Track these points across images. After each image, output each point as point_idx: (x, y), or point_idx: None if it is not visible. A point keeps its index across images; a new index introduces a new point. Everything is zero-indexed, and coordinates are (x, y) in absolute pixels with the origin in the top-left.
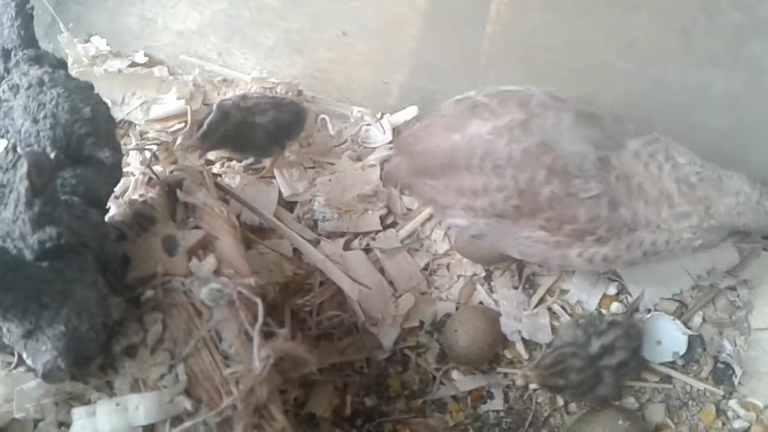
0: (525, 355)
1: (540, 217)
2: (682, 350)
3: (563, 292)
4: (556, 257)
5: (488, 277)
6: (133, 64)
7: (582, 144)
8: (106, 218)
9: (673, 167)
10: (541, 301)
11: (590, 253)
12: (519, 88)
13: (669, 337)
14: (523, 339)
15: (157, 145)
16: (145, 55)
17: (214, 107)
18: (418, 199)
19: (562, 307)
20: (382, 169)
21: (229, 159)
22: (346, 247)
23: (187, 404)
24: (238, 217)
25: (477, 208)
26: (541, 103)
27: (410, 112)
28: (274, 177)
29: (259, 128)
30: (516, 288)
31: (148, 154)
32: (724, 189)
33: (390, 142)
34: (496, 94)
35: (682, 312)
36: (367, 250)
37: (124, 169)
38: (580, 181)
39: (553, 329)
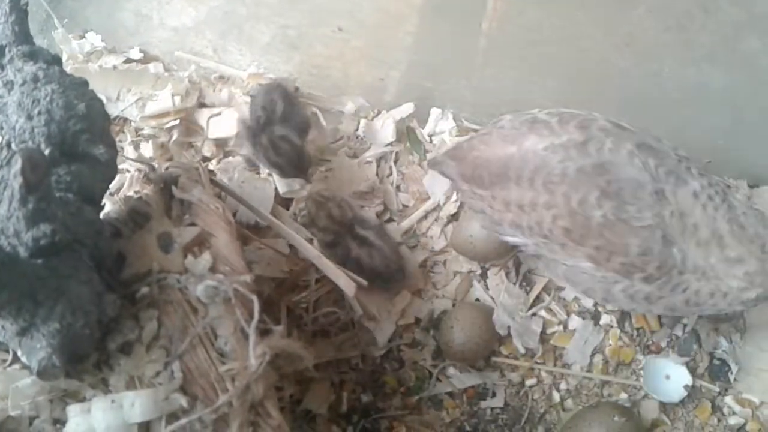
0: (521, 351)
1: (589, 245)
2: (690, 381)
3: (559, 289)
4: (601, 290)
5: (484, 274)
6: (129, 61)
7: (639, 172)
8: (101, 215)
9: (728, 208)
10: (538, 299)
11: (634, 290)
12: (582, 112)
13: (676, 373)
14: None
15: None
16: (141, 51)
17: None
18: (468, 207)
19: (558, 306)
20: (378, 166)
21: (226, 155)
22: None
23: (183, 401)
24: (234, 214)
25: (523, 226)
26: (602, 128)
27: (407, 108)
28: (270, 174)
29: (283, 114)
30: (514, 284)
31: (144, 152)
32: None
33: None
34: (557, 113)
35: None
36: None
37: (119, 166)
38: (635, 208)
39: (543, 338)
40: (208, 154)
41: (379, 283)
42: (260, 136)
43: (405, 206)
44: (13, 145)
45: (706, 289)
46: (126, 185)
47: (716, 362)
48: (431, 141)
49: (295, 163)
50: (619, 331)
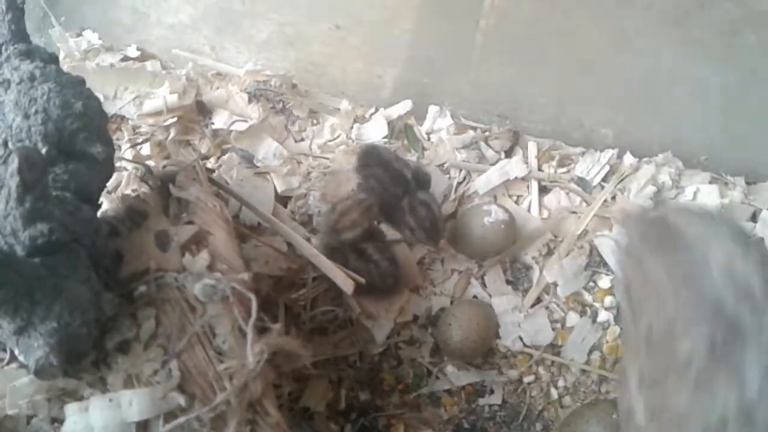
0: (520, 348)
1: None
2: None
3: (557, 287)
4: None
5: (482, 272)
6: (126, 59)
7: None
8: (99, 214)
9: None
10: (539, 299)
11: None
12: None
13: None
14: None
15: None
16: (138, 49)
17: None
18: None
19: (556, 304)
20: None
21: (223, 153)
22: None
23: (181, 400)
24: (236, 216)
25: (631, 329)
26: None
27: (404, 105)
28: (268, 173)
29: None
30: (510, 283)
31: (141, 150)
32: None
33: (385, 137)
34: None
35: None
36: None
37: (117, 164)
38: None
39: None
40: (204, 150)
41: (375, 295)
42: (402, 200)
43: None
44: (10, 144)
45: None
46: (123, 183)
47: None
48: (429, 138)
49: (428, 229)
50: (617, 328)
